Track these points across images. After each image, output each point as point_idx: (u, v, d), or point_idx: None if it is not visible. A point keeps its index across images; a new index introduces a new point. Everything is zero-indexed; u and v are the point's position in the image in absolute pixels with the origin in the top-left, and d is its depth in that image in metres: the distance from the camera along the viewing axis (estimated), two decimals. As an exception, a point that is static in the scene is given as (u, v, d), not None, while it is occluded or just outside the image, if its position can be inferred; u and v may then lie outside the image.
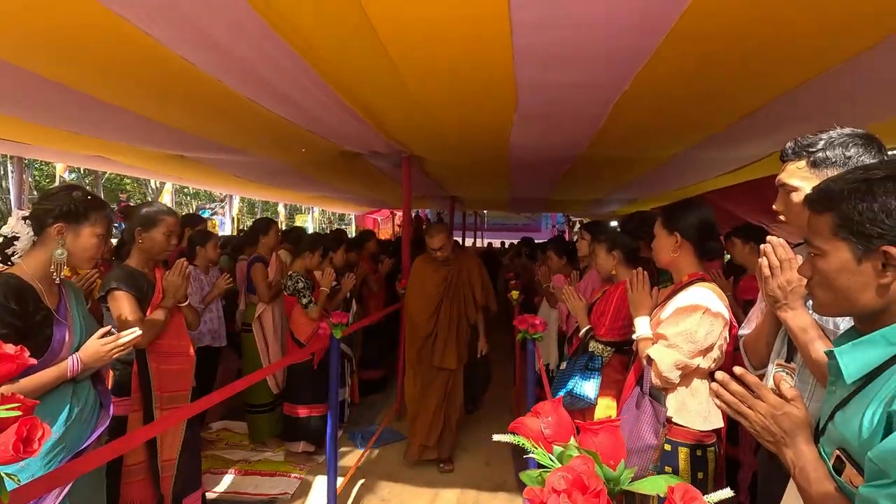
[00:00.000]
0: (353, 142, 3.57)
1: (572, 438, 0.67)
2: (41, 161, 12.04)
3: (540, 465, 0.65)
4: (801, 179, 1.17)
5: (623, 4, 1.51)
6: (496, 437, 0.72)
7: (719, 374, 0.87)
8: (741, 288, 2.76)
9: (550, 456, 0.65)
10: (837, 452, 0.76)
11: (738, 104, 2.44)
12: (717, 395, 0.86)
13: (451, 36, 1.77)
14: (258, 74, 2.15)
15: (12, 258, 1.40)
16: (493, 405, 4.28)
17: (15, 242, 1.39)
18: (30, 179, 14.83)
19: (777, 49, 1.76)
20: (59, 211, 1.43)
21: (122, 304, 1.78)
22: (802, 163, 1.17)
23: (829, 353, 0.81)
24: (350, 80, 2.26)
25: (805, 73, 1.97)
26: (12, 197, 6.50)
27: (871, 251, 0.76)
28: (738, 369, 0.87)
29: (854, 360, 0.77)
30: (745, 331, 1.43)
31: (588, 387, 1.94)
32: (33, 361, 0.94)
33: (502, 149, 3.58)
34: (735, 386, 0.85)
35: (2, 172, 13.50)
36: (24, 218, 1.39)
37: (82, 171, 15.24)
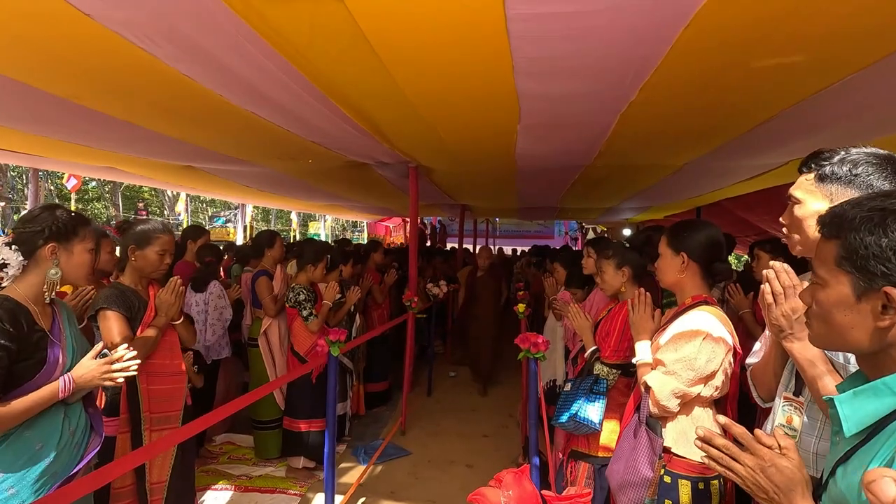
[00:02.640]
0: (360, 153, 3.55)
1: None
2: (57, 173, 12.32)
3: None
4: (804, 192, 1.09)
5: (621, 19, 1.46)
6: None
7: (700, 431, 0.79)
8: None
9: (511, 532, 0.58)
10: None
11: (751, 113, 2.35)
12: (704, 451, 0.79)
13: (448, 49, 1.73)
14: (260, 90, 2.15)
15: (2, 283, 1.39)
16: (504, 422, 4.20)
17: (5, 269, 1.38)
18: (51, 188, 15.21)
19: (789, 59, 1.68)
20: (49, 231, 1.42)
21: (111, 323, 1.76)
22: (811, 175, 1.10)
23: (829, 402, 0.73)
24: (351, 93, 2.24)
25: (819, 82, 1.89)
26: (29, 207, 6.63)
27: (872, 290, 0.68)
28: (721, 418, 0.80)
29: (855, 412, 0.69)
30: (752, 360, 1.35)
31: (592, 411, 1.85)
32: None
33: (509, 158, 3.52)
34: (720, 440, 0.78)
35: (24, 182, 13.88)
36: (10, 244, 1.37)
37: (101, 180, 15.61)
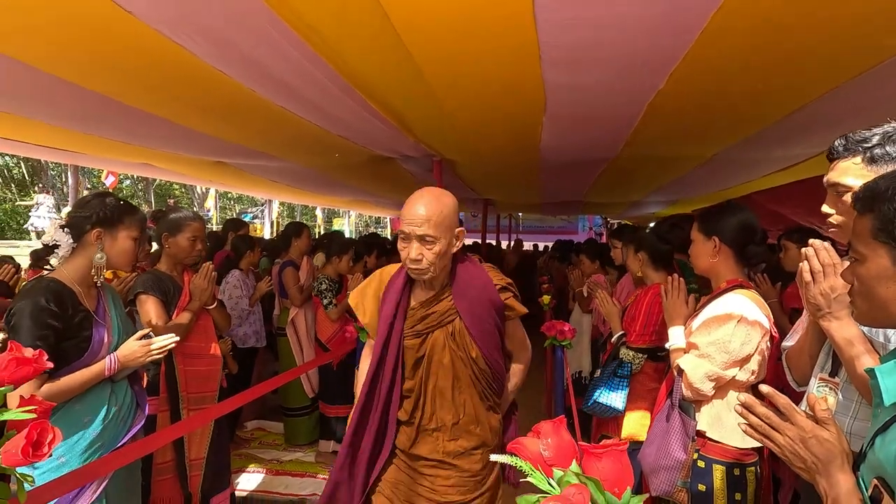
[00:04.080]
0: (384, 146, 3.59)
1: (574, 462, 0.62)
2: (95, 171, 12.78)
3: (539, 490, 0.61)
4: (856, 177, 1.06)
5: (651, 5, 1.44)
6: (493, 458, 0.68)
7: (742, 396, 0.79)
8: (788, 295, 2.59)
9: (550, 480, 0.60)
10: (875, 481, 0.68)
11: (784, 101, 2.29)
12: (743, 418, 0.79)
13: (475, 39, 1.74)
14: (289, 84, 2.19)
15: (51, 264, 1.47)
16: (526, 412, 4.19)
17: (56, 250, 1.46)
18: (89, 186, 15.81)
19: (824, 44, 1.64)
20: (96, 217, 1.49)
21: (148, 307, 1.84)
22: (858, 159, 1.07)
23: (871, 372, 0.73)
24: (377, 85, 2.27)
25: (857, 66, 1.83)
26: (70, 202, 6.91)
27: None
28: (764, 388, 0.80)
29: (895, 380, 0.69)
30: (788, 343, 1.33)
31: (615, 396, 1.86)
32: (49, 365, 0.98)
33: (533, 151, 3.51)
34: (761, 408, 0.78)
35: (63, 180, 14.43)
36: (62, 226, 1.45)
37: (135, 178, 16.12)
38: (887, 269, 0.71)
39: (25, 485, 0.83)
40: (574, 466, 0.61)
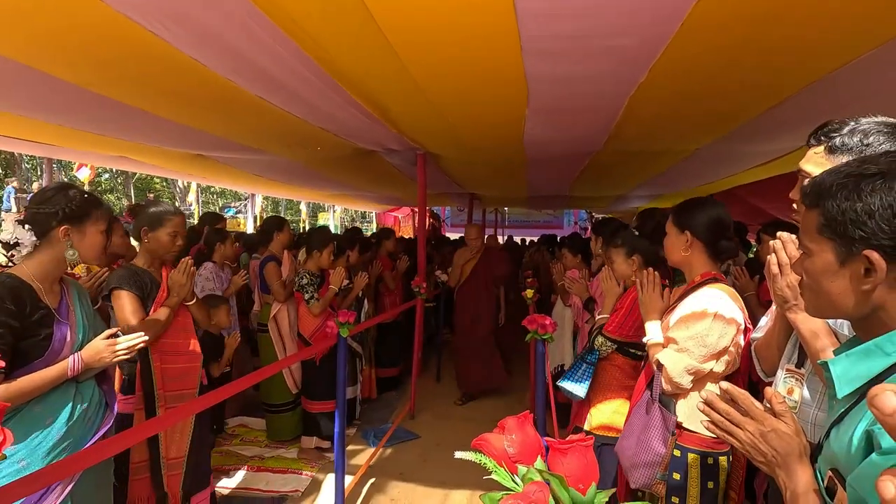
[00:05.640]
0: (368, 139, 3.55)
1: (539, 458, 0.62)
2: (71, 164, 12.48)
3: (504, 487, 0.60)
4: (815, 165, 1.08)
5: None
6: (458, 455, 0.67)
7: (704, 393, 0.80)
8: (765, 287, 2.63)
9: (514, 477, 0.59)
10: (830, 473, 0.69)
11: (766, 94, 2.31)
12: (705, 415, 0.80)
13: (455, 29, 1.72)
14: (269, 74, 2.15)
15: (14, 261, 1.41)
16: (512, 407, 4.23)
17: (18, 248, 1.40)
18: (64, 179, 15.42)
19: (806, 35, 1.65)
20: (63, 214, 1.43)
21: (124, 303, 1.79)
22: (821, 148, 1.08)
23: (824, 365, 0.74)
24: (359, 76, 2.24)
25: (838, 59, 1.84)
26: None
27: (854, 254, 0.69)
28: (724, 384, 0.80)
29: (846, 373, 0.70)
30: (757, 334, 1.34)
31: (577, 384, 1.88)
32: (0, 364, 0.94)
33: (517, 144, 3.51)
34: (722, 405, 0.79)
35: (39, 174, 14.06)
36: (22, 223, 1.39)
37: (114, 172, 15.77)
38: (832, 264, 0.72)
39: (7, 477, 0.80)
40: (539, 463, 0.60)
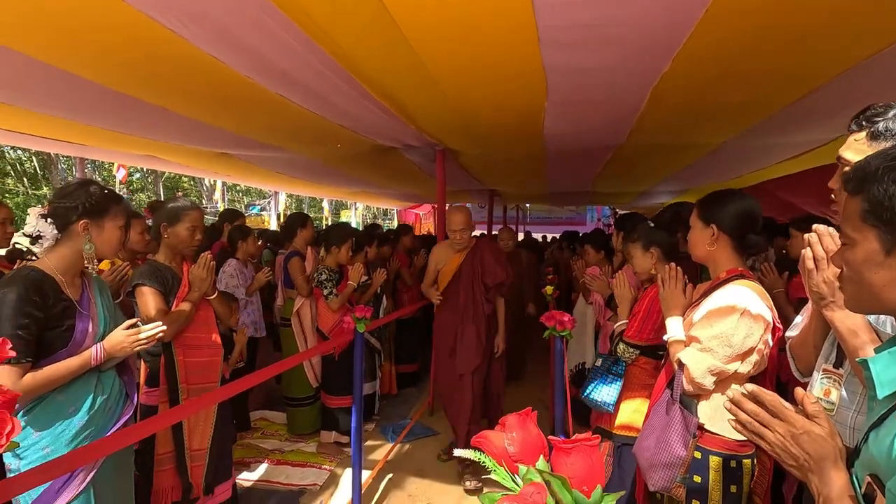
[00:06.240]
0: (386, 136, 3.55)
1: (542, 458, 0.59)
2: (105, 164, 12.88)
3: (504, 487, 0.58)
4: (855, 153, 1.01)
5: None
6: (457, 453, 0.65)
7: (730, 392, 0.76)
8: (795, 284, 2.53)
9: (515, 477, 0.57)
10: (869, 478, 0.64)
11: (797, 82, 2.21)
12: (732, 414, 0.75)
13: (472, 21, 1.69)
14: (286, 72, 2.17)
15: (36, 254, 1.45)
16: (531, 404, 4.17)
17: (40, 241, 1.44)
18: (99, 180, 15.95)
19: (838, 19, 1.56)
20: (83, 208, 1.47)
21: (147, 298, 1.83)
22: (862, 134, 1.02)
23: (863, 363, 0.69)
24: (374, 72, 2.23)
25: (876, 43, 1.75)
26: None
27: None
28: (749, 386, 0.76)
29: (888, 371, 0.65)
30: (792, 332, 1.28)
31: (606, 392, 1.83)
32: (13, 354, 0.96)
33: (537, 138, 3.45)
34: (750, 405, 0.74)
35: (74, 174, 14.55)
36: (45, 216, 1.43)
37: (144, 171, 16.23)
38: (876, 254, 0.67)
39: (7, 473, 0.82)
40: (541, 462, 0.57)
